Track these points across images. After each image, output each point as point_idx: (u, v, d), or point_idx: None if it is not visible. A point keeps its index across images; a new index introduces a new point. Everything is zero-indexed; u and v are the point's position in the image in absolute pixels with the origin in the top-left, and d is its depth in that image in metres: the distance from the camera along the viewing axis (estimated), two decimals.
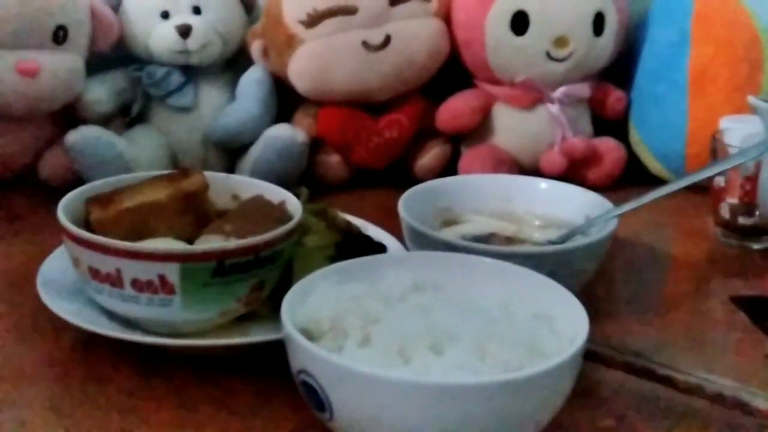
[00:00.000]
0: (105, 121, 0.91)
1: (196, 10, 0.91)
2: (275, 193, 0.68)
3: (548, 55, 0.91)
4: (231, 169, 0.93)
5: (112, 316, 0.62)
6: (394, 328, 0.51)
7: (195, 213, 0.66)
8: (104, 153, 0.86)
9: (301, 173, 0.91)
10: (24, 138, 0.89)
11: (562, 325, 0.54)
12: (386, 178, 0.95)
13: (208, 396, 0.58)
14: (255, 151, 0.90)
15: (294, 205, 0.66)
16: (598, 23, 0.92)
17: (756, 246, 0.83)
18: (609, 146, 0.96)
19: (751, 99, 0.73)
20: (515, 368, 0.48)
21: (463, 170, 0.93)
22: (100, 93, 0.91)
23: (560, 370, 0.48)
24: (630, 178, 0.96)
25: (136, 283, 0.59)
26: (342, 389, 0.47)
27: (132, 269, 0.58)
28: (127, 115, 0.94)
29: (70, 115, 0.91)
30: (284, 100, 0.95)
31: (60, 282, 0.66)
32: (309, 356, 0.48)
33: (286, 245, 0.63)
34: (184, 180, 0.66)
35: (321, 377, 0.48)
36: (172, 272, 0.58)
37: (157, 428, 0.55)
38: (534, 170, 0.94)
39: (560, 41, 0.91)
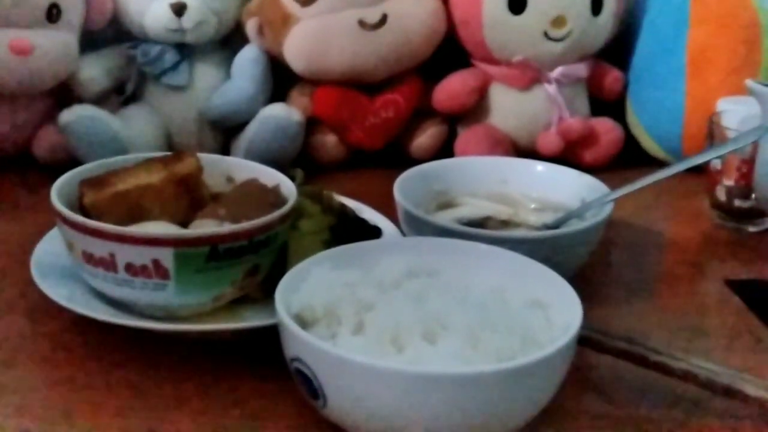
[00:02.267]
0: (99, 100, 0.91)
1: None
2: (270, 176, 0.68)
3: (546, 35, 0.90)
4: (226, 148, 0.93)
5: (106, 299, 0.62)
6: (387, 315, 0.51)
7: (189, 196, 0.66)
8: (98, 132, 0.86)
9: (296, 153, 0.91)
10: (17, 117, 0.89)
11: (555, 312, 0.54)
12: (383, 158, 0.95)
13: (202, 381, 0.58)
14: (250, 131, 0.89)
15: (288, 188, 0.66)
16: (597, 3, 0.91)
17: (752, 228, 0.83)
18: (606, 127, 0.95)
19: (749, 82, 0.73)
20: (508, 357, 0.48)
21: (459, 150, 0.93)
22: (94, 71, 0.90)
23: (553, 360, 0.48)
24: (627, 159, 0.96)
25: (130, 268, 0.59)
26: (335, 378, 0.47)
27: (126, 254, 0.58)
28: (121, 94, 0.93)
29: (64, 93, 0.90)
30: (280, 78, 0.94)
31: (54, 265, 0.65)
32: (302, 344, 0.48)
33: (281, 229, 0.62)
34: (178, 163, 0.66)
35: (314, 366, 0.48)
36: (166, 257, 0.58)
37: (152, 412, 0.55)
38: (531, 150, 0.93)
39: (558, 21, 0.90)
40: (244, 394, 0.57)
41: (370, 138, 0.94)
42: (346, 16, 0.88)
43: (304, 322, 0.53)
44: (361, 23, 0.88)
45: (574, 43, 0.91)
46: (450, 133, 0.96)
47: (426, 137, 0.95)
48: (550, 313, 0.54)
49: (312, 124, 0.92)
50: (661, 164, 0.96)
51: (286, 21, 0.89)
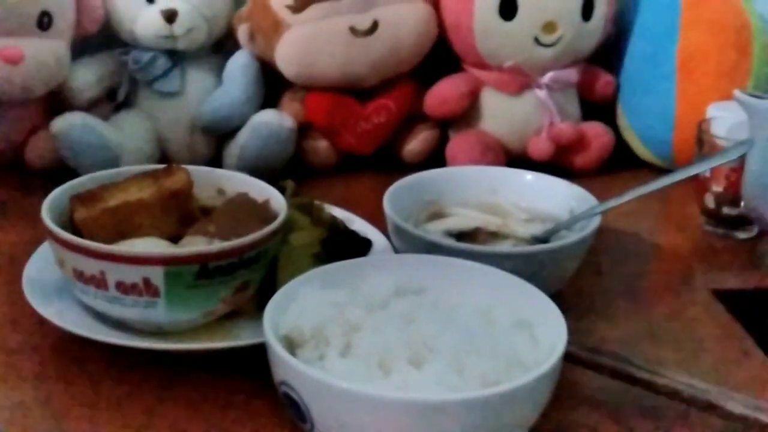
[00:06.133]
0: (91, 106, 0.91)
1: None
2: (260, 190, 0.68)
3: (536, 41, 0.91)
4: (218, 154, 0.93)
5: (97, 314, 0.63)
6: (375, 337, 0.52)
7: (179, 211, 0.66)
8: (90, 140, 0.86)
9: (288, 159, 0.91)
10: (9, 124, 0.89)
11: (541, 331, 0.54)
12: (374, 162, 0.95)
13: (193, 397, 0.59)
14: (242, 137, 0.89)
15: (279, 202, 0.67)
16: (587, 8, 0.91)
17: (741, 235, 0.83)
18: (597, 131, 0.96)
19: (737, 93, 0.73)
20: (493, 382, 0.49)
21: (451, 156, 0.93)
22: (86, 78, 0.90)
23: (537, 384, 0.48)
24: (618, 162, 0.97)
25: (120, 286, 0.59)
26: (322, 403, 0.48)
27: (116, 272, 0.59)
28: (113, 100, 0.93)
29: (56, 100, 0.90)
30: (271, 84, 0.94)
31: (46, 279, 0.66)
32: (290, 369, 0.49)
33: (271, 245, 0.63)
34: (168, 177, 0.67)
35: (302, 390, 0.49)
36: (156, 275, 0.58)
37: (143, 429, 0.56)
38: (522, 155, 0.94)
39: (548, 26, 0.90)
40: (234, 411, 0.58)
41: (362, 143, 0.94)
42: (337, 22, 0.88)
43: (292, 344, 0.53)
44: (352, 30, 0.89)
45: (565, 48, 0.91)
46: (442, 137, 0.96)
47: (417, 142, 0.95)
48: (536, 332, 0.54)
49: (304, 130, 0.93)
50: (651, 168, 0.97)
51: (277, 27, 0.89)
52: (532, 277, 0.59)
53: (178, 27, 0.89)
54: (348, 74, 0.90)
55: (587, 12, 0.91)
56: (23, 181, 0.89)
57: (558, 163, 0.94)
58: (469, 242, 0.70)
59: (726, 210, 0.83)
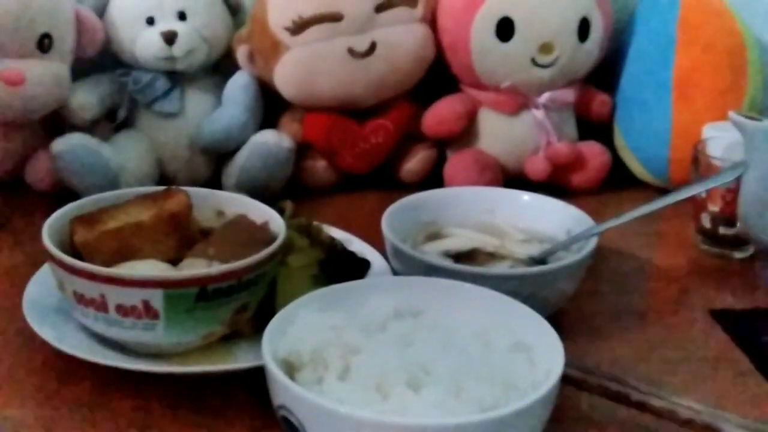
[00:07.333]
0: (91, 126, 0.92)
1: (182, 16, 0.91)
2: (259, 212, 0.69)
3: (533, 62, 0.91)
4: (217, 174, 0.93)
5: (96, 335, 0.63)
6: (373, 361, 0.52)
7: (179, 233, 0.66)
8: (90, 160, 0.86)
9: (287, 179, 0.92)
10: (10, 145, 0.90)
11: (538, 354, 0.55)
12: (373, 181, 0.96)
13: (192, 419, 0.59)
14: (241, 157, 0.90)
15: (278, 224, 0.67)
16: (584, 29, 0.92)
17: (737, 255, 0.83)
18: (593, 151, 0.96)
19: (732, 115, 0.74)
20: (490, 406, 0.49)
21: (449, 175, 0.94)
22: (86, 99, 0.91)
23: (534, 408, 0.49)
24: (615, 181, 0.97)
25: (120, 308, 0.60)
26: (321, 427, 0.48)
27: (116, 295, 0.59)
28: (113, 120, 0.94)
29: (56, 120, 0.91)
30: (270, 104, 0.95)
31: (46, 301, 0.66)
32: (288, 393, 0.49)
33: (270, 267, 0.63)
34: (167, 200, 0.67)
35: (300, 414, 0.49)
36: (155, 298, 0.59)
37: None
38: (519, 175, 0.94)
39: (545, 47, 0.91)
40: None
41: (360, 163, 0.95)
42: (335, 44, 0.89)
43: (291, 367, 0.53)
44: (351, 51, 0.89)
45: (561, 69, 0.92)
46: (439, 157, 0.97)
47: (415, 162, 0.96)
48: (533, 355, 0.55)
49: (303, 149, 0.93)
50: (648, 187, 0.97)
51: (276, 49, 0.90)
52: (529, 298, 0.60)
53: (178, 48, 0.89)
54: (346, 95, 0.91)
55: (583, 33, 0.92)
56: (24, 203, 0.89)
57: (555, 182, 0.94)
58: (467, 263, 0.70)
59: (722, 230, 0.83)
